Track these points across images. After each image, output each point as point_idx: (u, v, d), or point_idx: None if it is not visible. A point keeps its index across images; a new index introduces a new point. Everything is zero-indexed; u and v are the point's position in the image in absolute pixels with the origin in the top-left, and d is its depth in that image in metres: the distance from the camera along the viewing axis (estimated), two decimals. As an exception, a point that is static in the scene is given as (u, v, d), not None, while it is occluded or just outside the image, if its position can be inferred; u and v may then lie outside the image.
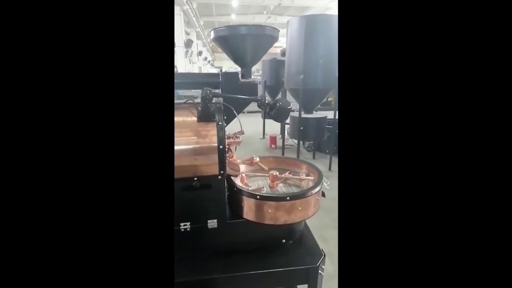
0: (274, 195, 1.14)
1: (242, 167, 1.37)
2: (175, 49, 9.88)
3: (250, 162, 1.33)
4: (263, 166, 1.35)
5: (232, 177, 1.25)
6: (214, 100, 1.08)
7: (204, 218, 1.13)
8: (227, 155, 1.14)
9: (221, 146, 1.02)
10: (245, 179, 1.34)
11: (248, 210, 1.16)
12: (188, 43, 10.16)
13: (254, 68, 1.29)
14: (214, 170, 1.06)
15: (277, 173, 1.32)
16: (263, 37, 1.09)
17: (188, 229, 1.12)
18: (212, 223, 1.14)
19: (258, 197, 1.10)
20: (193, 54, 12.24)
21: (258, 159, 1.33)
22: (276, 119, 1.03)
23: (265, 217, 1.13)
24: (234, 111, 1.09)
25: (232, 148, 1.30)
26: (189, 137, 1.01)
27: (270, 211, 1.12)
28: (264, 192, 1.22)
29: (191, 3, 9.45)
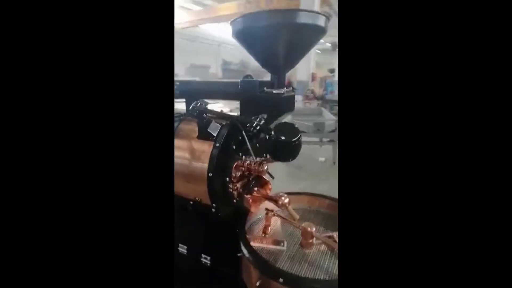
0: (265, 264, 0.76)
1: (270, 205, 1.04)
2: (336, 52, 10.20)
3: (275, 202, 0.97)
4: (293, 213, 0.95)
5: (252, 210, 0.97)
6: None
7: (201, 250, 0.97)
8: (233, 186, 0.88)
9: (210, 174, 0.80)
10: (271, 220, 1.01)
11: (242, 264, 0.86)
12: (334, 46, 10.33)
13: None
14: (206, 199, 0.86)
15: (313, 229, 0.89)
16: (299, 28, 0.72)
17: (185, 253, 1.00)
18: (206, 259, 0.95)
19: (241, 253, 0.78)
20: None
21: (287, 200, 0.95)
22: (274, 155, 0.65)
23: (253, 286, 0.79)
24: (244, 133, 0.81)
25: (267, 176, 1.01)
26: (182, 154, 0.87)
27: (257, 283, 0.76)
28: (267, 252, 0.86)
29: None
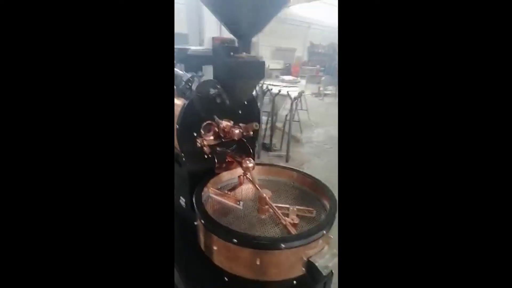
0: (201, 208, 0.85)
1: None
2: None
3: (240, 163, 1.02)
4: (255, 177, 0.99)
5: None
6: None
7: (180, 193, 1.15)
8: (201, 141, 0.99)
9: (177, 126, 0.94)
10: (242, 182, 1.08)
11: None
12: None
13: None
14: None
15: (268, 197, 0.92)
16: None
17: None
18: (182, 201, 1.13)
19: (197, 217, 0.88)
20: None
21: (251, 164, 0.98)
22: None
23: (204, 246, 0.87)
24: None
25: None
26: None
27: (203, 239, 0.86)
28: (224, 206, 0.93)
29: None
